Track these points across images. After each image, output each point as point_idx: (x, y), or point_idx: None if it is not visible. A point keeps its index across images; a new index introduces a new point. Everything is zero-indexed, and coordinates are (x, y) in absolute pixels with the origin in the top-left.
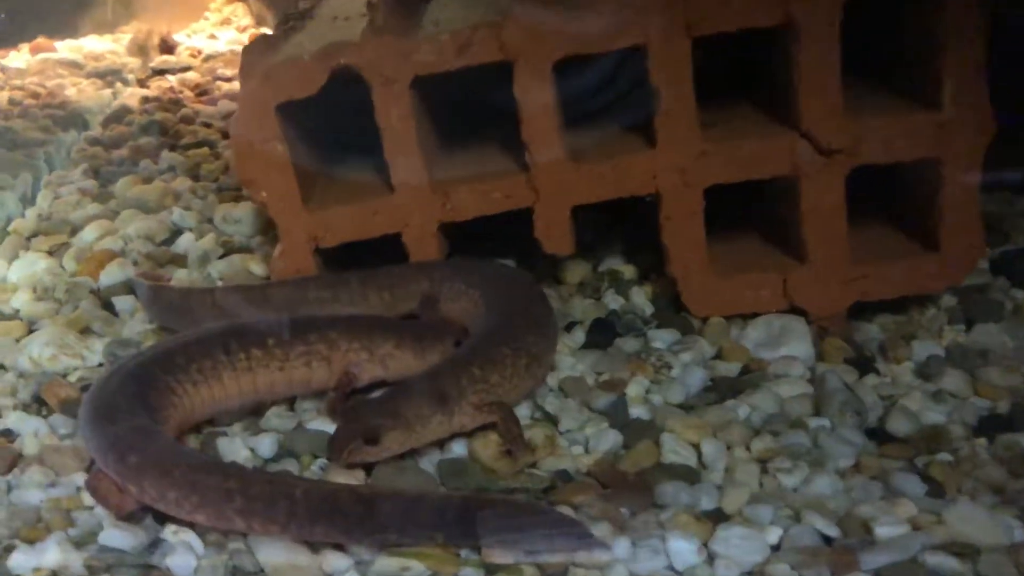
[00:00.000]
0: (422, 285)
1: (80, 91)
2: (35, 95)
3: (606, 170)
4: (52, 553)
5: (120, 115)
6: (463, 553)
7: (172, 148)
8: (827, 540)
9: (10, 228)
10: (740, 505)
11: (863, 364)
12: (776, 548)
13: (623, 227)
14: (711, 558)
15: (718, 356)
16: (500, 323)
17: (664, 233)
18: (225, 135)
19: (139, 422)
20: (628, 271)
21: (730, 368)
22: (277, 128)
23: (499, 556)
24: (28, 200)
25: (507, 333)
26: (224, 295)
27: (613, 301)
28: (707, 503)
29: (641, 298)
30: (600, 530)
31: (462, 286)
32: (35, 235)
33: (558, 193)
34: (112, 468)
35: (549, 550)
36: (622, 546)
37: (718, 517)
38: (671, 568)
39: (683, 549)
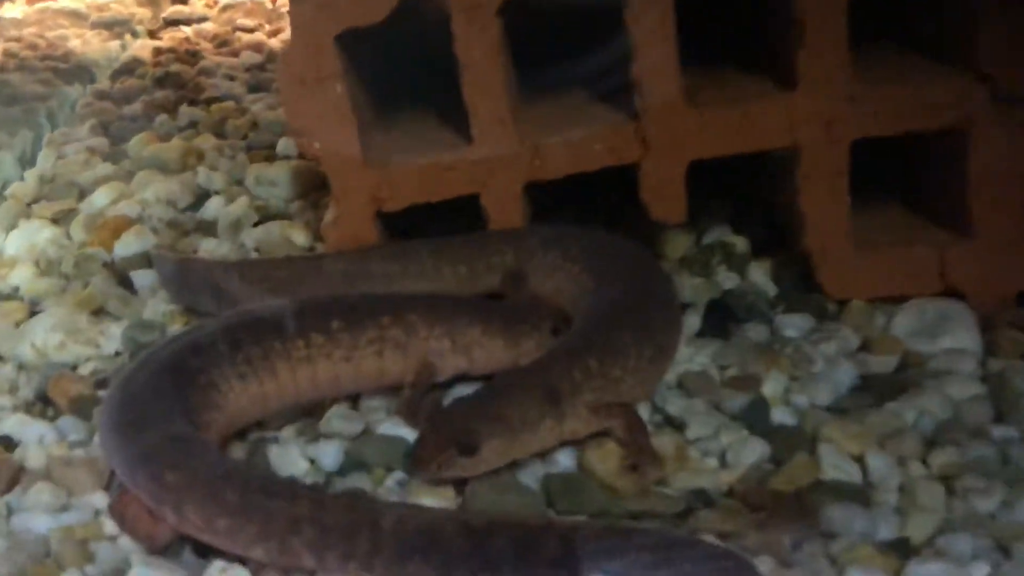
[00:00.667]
0: (506, 257)
1: (85, 42)
2: (33, 46)
3: (733, 118)
4: None
5: (131, 67)
6: None
7: (192, 103)
8: None
9: (7, 193)
10: (929, 534)
11: None
12: None
13: (724, 192)
14: None
15: (864, 348)
16: (617, 304)
17: (801, 197)
18: (252, 88)
19: (177, 429)
20: (740, 243)
21: (883, 363)
22: (336, 63)
23: None
24: (28, 161)
25: (628, 316)
26: (267, 269)
27: (727, 279)
28: (886, 531)
29: (760, 276)
30: (762, 566)
31: (558, 258)
32: (36, 200)
33: (673, 146)
34: (143, 488)
35: None
36: None
37: (905, 550)
38: None
39: None
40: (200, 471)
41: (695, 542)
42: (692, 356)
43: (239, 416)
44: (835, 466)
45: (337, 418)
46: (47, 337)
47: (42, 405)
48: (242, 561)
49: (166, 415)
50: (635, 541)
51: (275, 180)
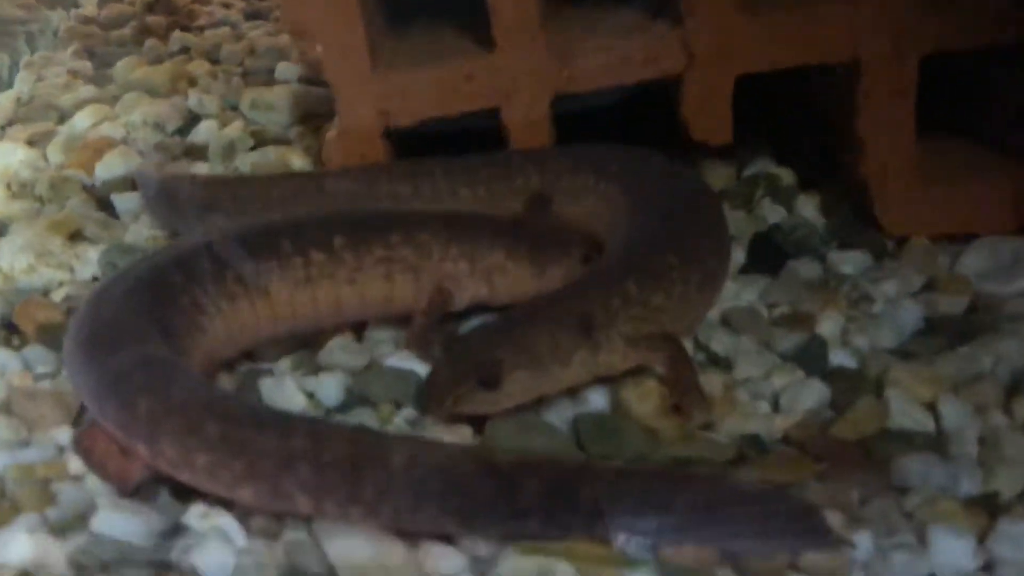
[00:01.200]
0: (531, 179)
1: None
2: None
3: (790, 26)
4: (22, 544)
5: None
6: (630, 549)
7: (184, 29)
8: None
9: None
10: (1020, 489)
11: None
12: None
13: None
14: (990, 564)
15: (929, 288)
16: (660, 225)
17: (860, 120)
18: (249, 16)
19: (153, 351)
20: (785, 176)
21: (952, 304)
22: None
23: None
24: (4, 85)
25: (672, 238)
26: (263, 186)
27: (772, 213)
28: (970, 486)
29: (810, 210)
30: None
31: (590, 179)
32: (11, 124)
33: (721, 56)
34: (112, 418)
35: (766, 548)
36: (862, 544)
37: (993, 506)
38: None
39: (952, 550)
40: (178, 398)
41: (763, 491)
42: (738, 292)
43: (227, 343)
44: (905, 413)
45: (339, 349)
46: (14, 259)
47: (7, 332)
48: (226, 505)
49: (141, 335)
50: (684, 489)
51: (273, 104)
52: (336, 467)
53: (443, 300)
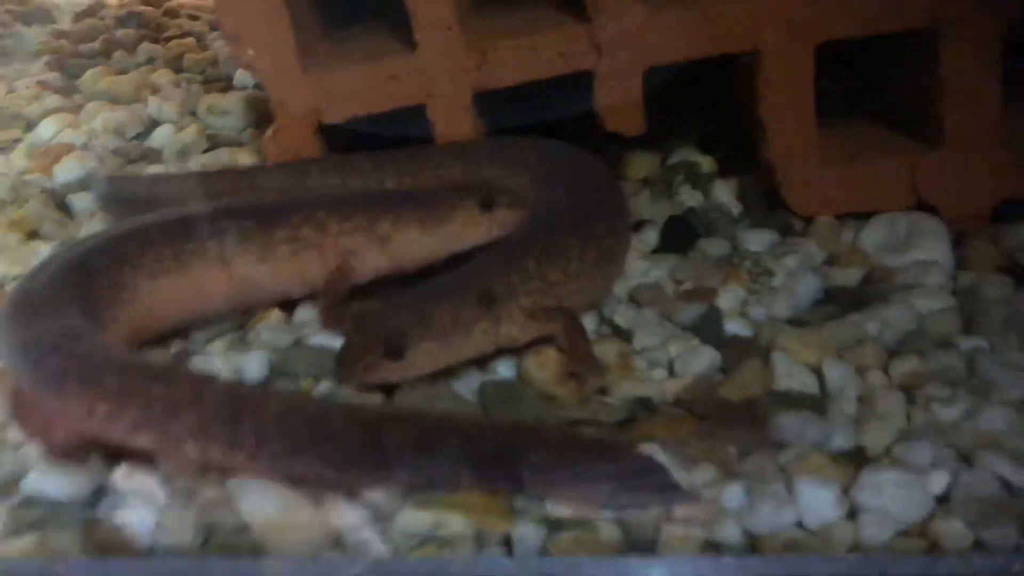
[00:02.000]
0: (453, 170)
1: None
2: None
3: (692, 19)
4: None
5: (94, 9)
6: (518, 501)
7: (153, 41)
8: (1008, 488)
9: None
10: (887, 443)
11: (1020, 274)
12: (943, 499)
13: (691, 113)
14: (853, 512)
15: (830, 262)
16: (559, 208)
17: (763, 106)
18: (214, 27)
19: (71, 322)
20: (706, 163)
21: (848, 276)
22: None
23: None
24: None
25: (571, 218)
26: (202, 181)
27: (690, 198)
28: (842, 441)
29: (725, 194)
30: (703, 474)
31: (504, 169)
32: None
33: (629, 51)
34: (27, 377)
35: (618, 501)
36: (734, 495)
37: (859, 459)
38: (800, 525)
39: (818, 500)
40: (82, 355)
41: (616, 448)
42: (648, 270)
43: (152, 318)
44: (789, 375)
45: (267, 330)
46: None
47: None
48: (148, 465)
49: (61, 309)
50: (540, 439)
51: (228, 110)
52: (218, 415)
53: (343, 274)
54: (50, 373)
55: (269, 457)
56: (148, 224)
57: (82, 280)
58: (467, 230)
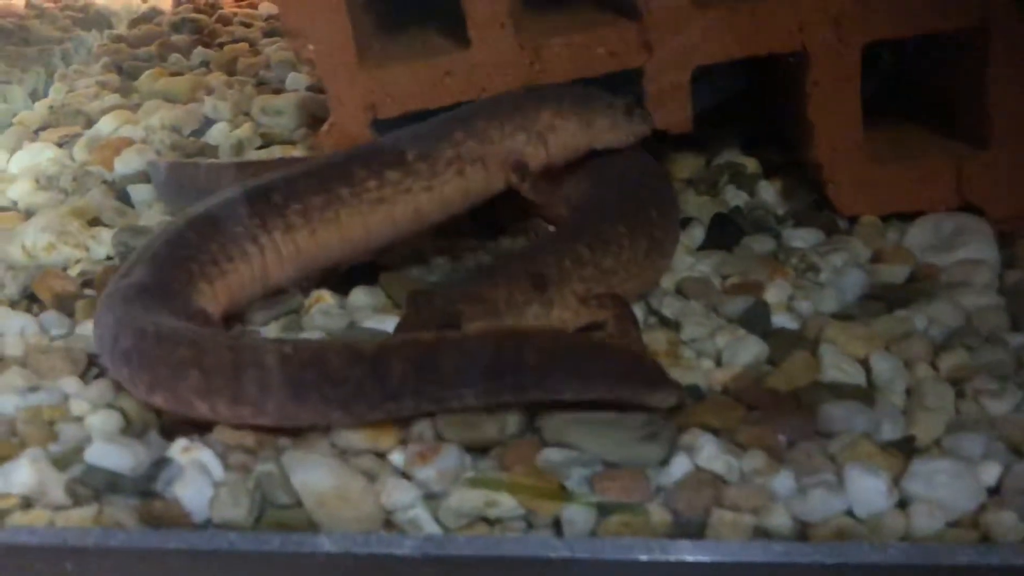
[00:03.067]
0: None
1: None
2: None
3: (741, 19)
4: (24, 473)
5: (150, 16)
6: (569, 484)
7: (206, 46)
8: None
9: (15, 120)
10: (937, 434)
11: None
12: (994, 490)
13: (736, 116)
14: (904, 501)
15: (875, 260)
16: (611, 197)
17: (809, 106)
18: (268, 34)
19: (136, 308)
20: (750, 164)
21: (894, 273)
22: None
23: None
24: (39, 95)
25: (624, 208)
26: (262, 169)
27: (735, 197)
28: (891, 431)
29: (770, 194)
30: (753, 461)
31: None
32: (44, 128)
33: (678, 49)
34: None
35: (611, 393)
36: (783, 482)
37: (909, 449)
38: (850, 513)
39: (868, 489)
40: (113, 324)
41: (597, 342)
42: (693, 265)
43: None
44: (836, 367)
45: (321, 313)
46: (37, 238)
47: (28, 302)
48: (207, 438)
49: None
50: (534, 345)
51: (281, 109)
52: (219, 371)
53: (522, 170)
54: (101, 342)
55: (275, 409)
56: (291, 175)
57: (177, 257)
58: (612, 132)
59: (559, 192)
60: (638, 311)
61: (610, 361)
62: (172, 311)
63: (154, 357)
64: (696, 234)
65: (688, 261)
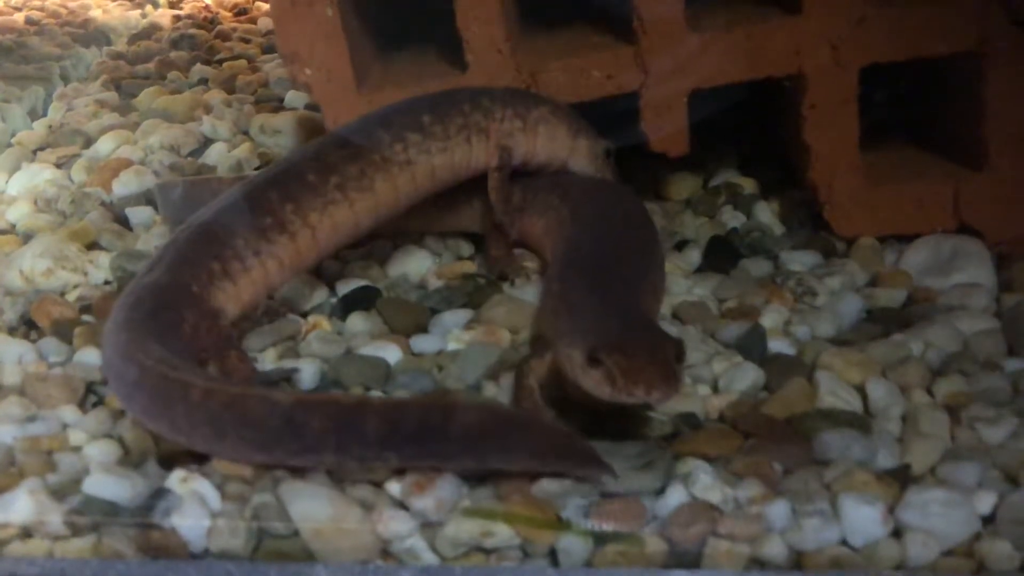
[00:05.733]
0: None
1: (105, 12)
2: (55, 15)
3: (737, 42)
4: (22, 505)
5: (149, 32)
6: (565, 514)
7: (205, 63)
8: None
9: (14, 140)
10: (932, 463)
11: None
12: (989, 519)
13: (733, 137)
14: (899, 530)
15: (872, 283)
16: (610, 259)
17: (807, 128)
18: (267, 50)
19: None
20: (748, 184)
21: (892, 296)
22: None
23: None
24: (38, 114)
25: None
26: None
27: (732, 219)
28: (886, 459)
29: (767, 215)
30: (748, 490)
31: (554, 199)
32: (43, 148)
33: (674, 72)
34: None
35: (533, 467)
36: (779, 511)
37: (904, 478)
38: (844, 543)
39: (863, 517)
40: (119, 356)
41: (525, 417)
42: (690, 289)
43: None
44: (833, 393)
45: (317, 340)
46: (34, 263)
47: (26, 328)
48: (203, 468)
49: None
50: (460, 417)
51: (279, 129)
52: (159, 399)
53: (508, 157)
54: (109, 367)
55: (202, 440)
56: (308, 155)
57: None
58: (588, 159)
59: (523, 217)
60: None
61: (539, 436)
62: (186, 310)
63: (121, 377)
64: (693, 257)
65: (685, 284)
